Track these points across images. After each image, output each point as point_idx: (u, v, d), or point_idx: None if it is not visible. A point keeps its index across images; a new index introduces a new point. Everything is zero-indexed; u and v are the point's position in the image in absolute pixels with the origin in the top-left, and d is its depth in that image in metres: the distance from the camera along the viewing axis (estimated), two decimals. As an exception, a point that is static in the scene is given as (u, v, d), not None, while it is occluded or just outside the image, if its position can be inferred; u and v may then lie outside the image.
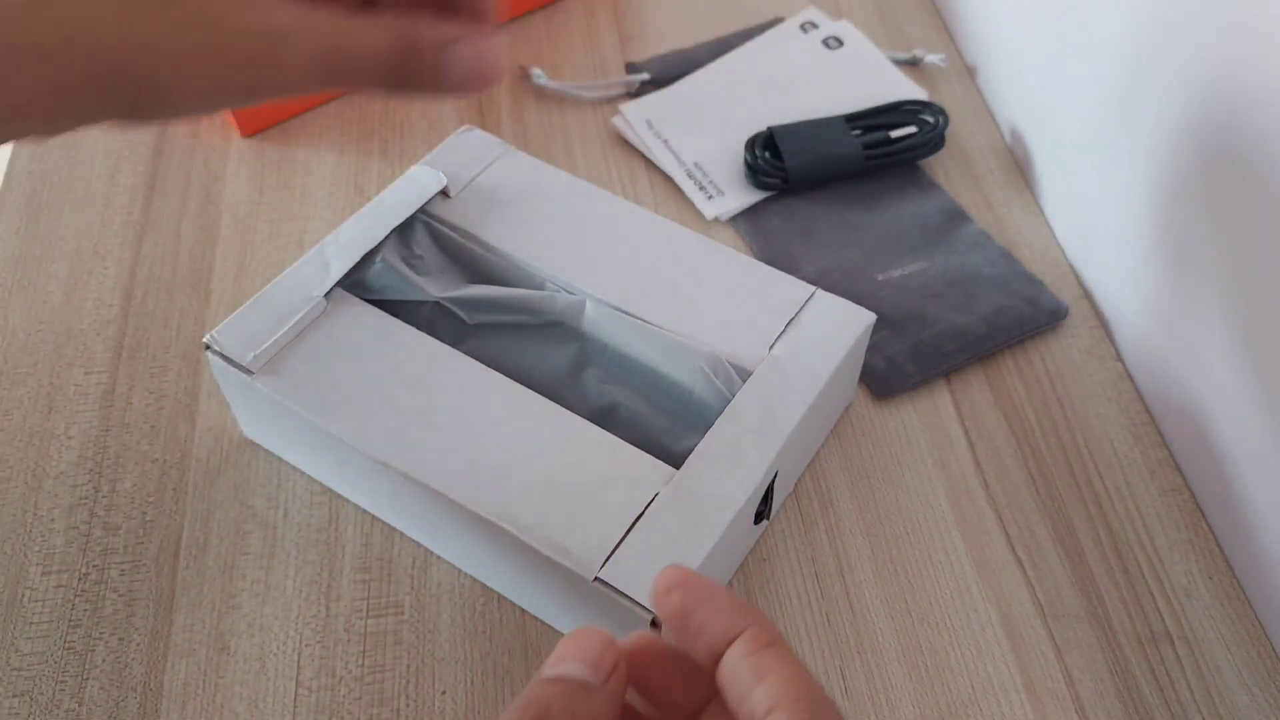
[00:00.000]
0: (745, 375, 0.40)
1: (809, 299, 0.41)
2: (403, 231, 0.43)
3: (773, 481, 0.39)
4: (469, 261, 0.43)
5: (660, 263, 0.42)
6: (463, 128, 0.48)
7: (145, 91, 0.32)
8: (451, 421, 0.38)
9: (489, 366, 0.40)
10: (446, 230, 0.44)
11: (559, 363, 0.41)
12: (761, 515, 0.40)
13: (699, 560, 0.34)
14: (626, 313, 0.41)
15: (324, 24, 0.33)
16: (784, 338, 0.40)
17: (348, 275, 0.41)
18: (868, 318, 0.41)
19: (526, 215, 0.44)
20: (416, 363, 0.39)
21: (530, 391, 0.39)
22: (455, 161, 0.46)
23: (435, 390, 0.38)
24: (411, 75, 0.34)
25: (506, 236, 0.43)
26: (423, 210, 0.44)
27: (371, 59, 0.33)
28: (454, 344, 0.41)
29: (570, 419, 0.38)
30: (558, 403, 0.39)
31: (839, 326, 0.41)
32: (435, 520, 0.39)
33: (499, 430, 0.37)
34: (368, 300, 0.42)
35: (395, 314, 0.41)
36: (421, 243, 0.44)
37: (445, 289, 0.42)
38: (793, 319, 0.41)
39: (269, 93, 0.33)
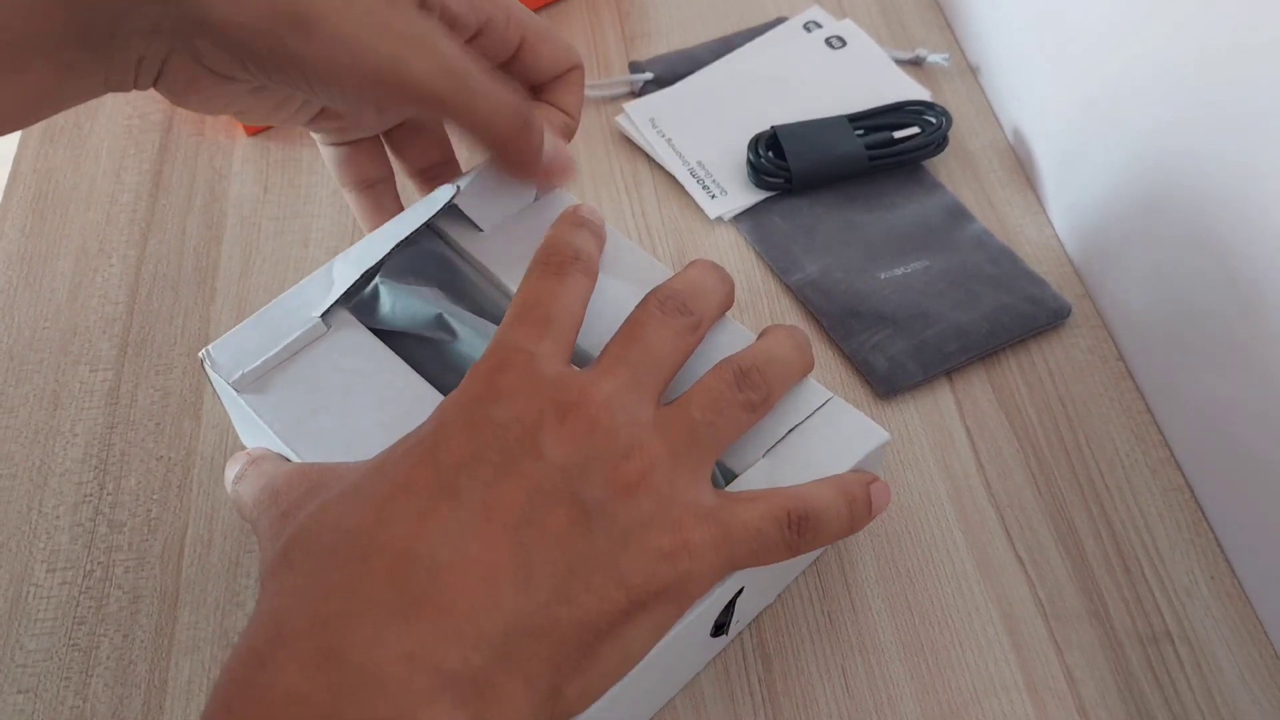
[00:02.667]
0: (731, 477, 0.36)
1: (822, 405, 0.38)
2: (425, 263, 0.42)
3: (735, 597, 0.36)
4: (483, 301, 0.42)
5: None
6: None
7: (292, 32, 0.33)
8: None
9: None
10: (465, 265, 0.42)
11: None
12: (722, 628, 0.37)
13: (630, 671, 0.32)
14: None
15: (465, 52, 0.36)
16: (784, 443, 0.37)
17: (351, 295, 0.40)
18: (880, 436, 0.37)
19: None
20: (401, 402, 0.37)
21: None
22: (497, 196, 0.44)
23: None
24: (515, 138, 0.38)
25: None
26: (448, 243, 0.43)
27: (494, 104, 0.36)
28: (441, 371, 0.39)
29: None
30: None
31: (847, 441, 0.37)
32: None
33: None
34: (379, 327, 0.40)
35: (402, 340, 0.40)
36: (438, 274, 0.42)
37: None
38: (798, 425, 0.37)
39: (395, 81, 0.35)
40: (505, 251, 0.42)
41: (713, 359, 0.37)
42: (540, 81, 0.41)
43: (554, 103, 0.41)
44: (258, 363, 0.38)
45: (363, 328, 0.40)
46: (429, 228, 0.43)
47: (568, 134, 0.42)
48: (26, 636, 0.40)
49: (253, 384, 0.38)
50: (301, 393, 0.38)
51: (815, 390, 0.38)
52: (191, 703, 0.38)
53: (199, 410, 0.46)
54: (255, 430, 0.39)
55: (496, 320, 0.41)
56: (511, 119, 0.37)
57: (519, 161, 0.39)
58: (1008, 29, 0.56)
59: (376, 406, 0.37)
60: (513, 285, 0.41)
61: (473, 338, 0.39)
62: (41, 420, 0.46)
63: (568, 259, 0.36)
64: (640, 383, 0.33)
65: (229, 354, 0.38)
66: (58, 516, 0.43)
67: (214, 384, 0.40)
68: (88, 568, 0.41)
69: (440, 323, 0.39)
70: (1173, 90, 0.42)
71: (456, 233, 0.42)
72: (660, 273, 0.42)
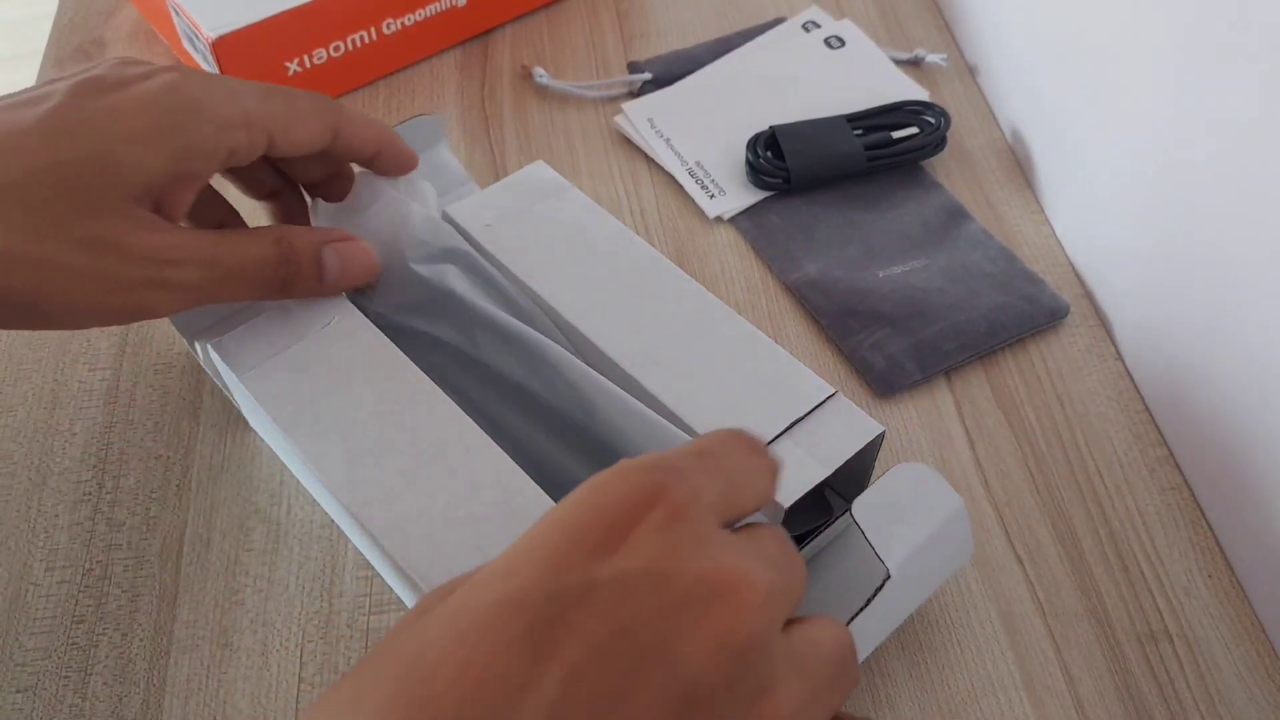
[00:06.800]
0: None
1: (825, 400, 0.38)
2: (439, 251, 0.43)
3: None
4: (494, 293, 0.42)
5: (682, 332, 0.40)
6: (535, 162, 0.47)
7: (29, 303, 0.33)
8: (411, 463, 0.36)
9: (479, 399, 0.39)
10: (479, 256, 0.43)
11: (542, 424, 0.39)
12: None
13: None
14: (628, 374, 0.39)
15: (207, 241, 0.36)
16: (783, 439, 0.37)
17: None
18: (874, 429, 0.37)
19: (561, 256, 0.43)
20: (399, 394, 0.38)
21: (501, 452, 0.37)
22: (513, 192, 0.45)
23: (406, 427, 0.37)
24: (291, 279, 0.38)
25: (533, 272, 0.42)
26: (461, 233, 0.43)
27: (254, 268, 0.37)
28: (452, 371, 0.40)
29: (531, 490, 0.36)
30: (527, 463, 0.37)
31: (842, 435, 0.37)
32: (373, 555, 0.39)
33: (453, 484, 0.36)
34: (383, 313, 0.41)
35: (401, 334, 0.41)
36: (454, 264, 0.43)
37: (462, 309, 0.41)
38: (799, 420, 0.37)
39: (148, 313, 0.36)
40: (512, 243, 0.43)
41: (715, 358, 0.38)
42: (313, 150, 0.40)
43: (354, 154, 0.41)
44: (265, 349, 0.39)
45: (363, 317, 0.40)
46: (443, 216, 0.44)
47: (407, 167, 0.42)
48: (25, 635, 0.40)
49: (255, 369, 0.39)
50: (302, 380, 0.38)
51: (817, 385, 0.38)
52: (190, 700, 0.38)
53: (198, 409, 0.46)
54: (257, 416, 0.40)
55: (506, 301, 0.42)
56: (274, 278, 0.38)
57: (300, 295, 0.39)
58: (1006, 29, 0.56)
59: (375, 396, 0.38)
60: (520, 273, 0.42)
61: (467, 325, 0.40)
62: (40, 419, 0.46)
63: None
64: None
65: (239, 341, 0.39)
66: (57, 515, 0.43)
67: (220, 373, 0.41)
68: (87, 566, 0.41)
69: (449, 299, 0.40)
70: (1171, 89, 0.42)
71: (466, 224, 0.43)
72: (663, 266, 0.42)
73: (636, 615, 0.23)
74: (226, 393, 0.44)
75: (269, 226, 0.39)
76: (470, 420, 0.37)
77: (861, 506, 0.34)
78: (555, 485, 0.36)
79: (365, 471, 0.36)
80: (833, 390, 0.38)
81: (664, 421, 0.37)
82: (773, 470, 0.29)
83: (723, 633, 0.23)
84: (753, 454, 0.28)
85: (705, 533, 0.24)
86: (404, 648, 0.24)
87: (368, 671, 0.24)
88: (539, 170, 0.46)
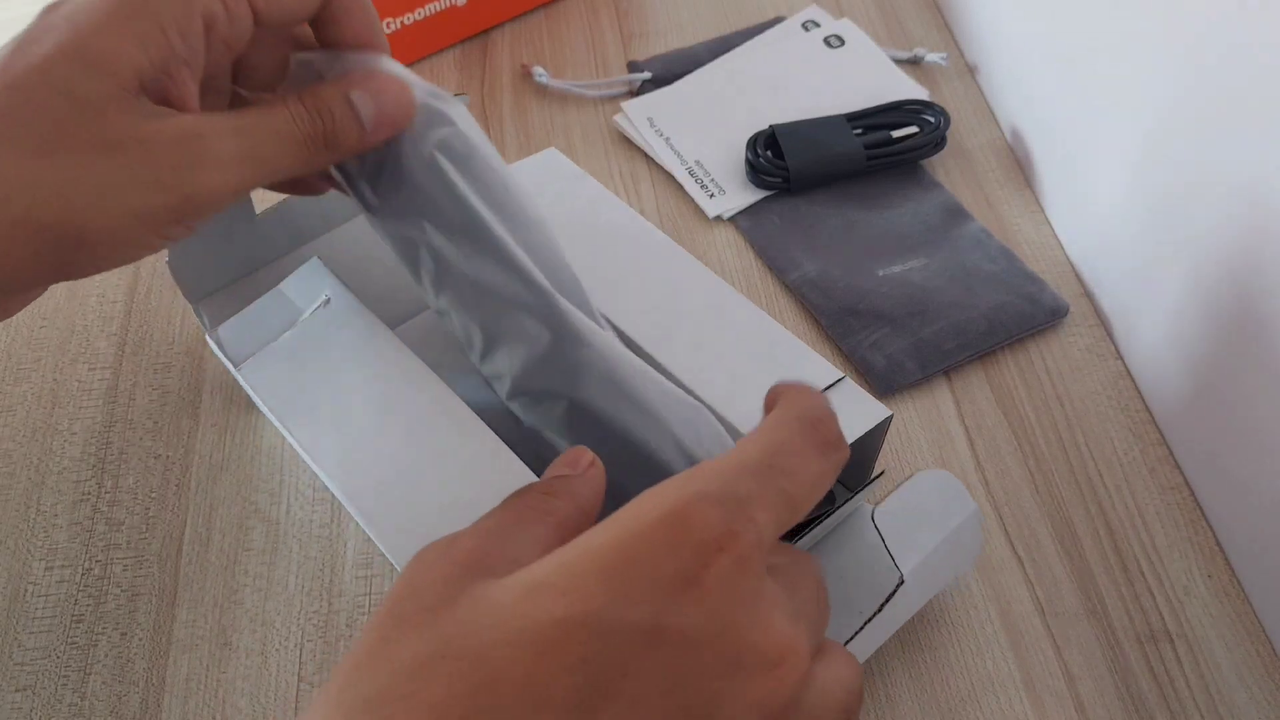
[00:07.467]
0: None
1: (833, 384, 0.38)
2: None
3: None
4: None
5: (694, 314, 0.40)
6: (548, 149, 0.47)
7: (69, 232, 0.30)
8: (403, 451, 0.36)
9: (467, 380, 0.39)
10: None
11: (538, 410, 0.38)
12: None
13: None
14: (643, 350, 0.39)
15: (229, 115, 0.33)
16: None
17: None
18: (882, 412, 0.37)
19: (575, 238, 0.42)
20: (392, 382, 0.38)
21: (493, 435, 0.37)
22: (526, 176, 0.45)
23: (399, 415, 0.37)
24: (332, 133, 0.34)
25: None
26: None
27: (288, 126, 0.33)
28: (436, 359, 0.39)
29: (525, 476, 0.36)
30: (525, 450, 0.36)
31: (849, 419, 0.36)
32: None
33: (446, 471, 0.36)
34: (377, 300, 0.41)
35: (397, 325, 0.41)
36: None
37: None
38: None
39: (199, 202, 0.32)
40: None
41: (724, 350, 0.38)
42: (307, 14, 0.35)
43: (339, 36, 0.36)
44: (261, 338, 0.39)
45: (358, 303, 0.40)
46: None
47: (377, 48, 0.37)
48: (25, 634, 0.40)
49: (251, 359, 0.39)
50: (297, 368, 0.39)
51: (826, 370, 0.38)
52: (190, 700, 0.38)
53: (197, 409, 0.46)
54: (258, 403, 0.40)
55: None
56: (313, 132, 0.34)
57: (347, 152, 0.35)
58: (1005, 28, 0.56)
59: (368, 382, 0.38)
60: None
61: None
62: (40, 419, 0.46)
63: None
64: None
65: (235, 331, 0.40)
66: (56, 515, 0.43)
67: (217, 353, 0.41)
68: (86, 565, 0.41)
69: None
70: (1171, 88, 0.42)
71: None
72: (676, 250, 0.42)
73: (691, 673, 0.23)
74: (233, 374, 0.44)
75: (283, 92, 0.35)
76: (463, 404, 0.38)
77: (883, 514, 0.34)
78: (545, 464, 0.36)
79: (360, 459, 0.36)
80: (841, 375, 0.38)
81: (663, 383, 0.36)
82: (838, 469, 0.29)
83: (763, 700, 0.24)
84: (823, 455, 0.28)
85: (762, 585, 0.25)
86: (456, 645, 0.24)
87: (413, 660, 0.24)
88: (552, 157, 0.47)
